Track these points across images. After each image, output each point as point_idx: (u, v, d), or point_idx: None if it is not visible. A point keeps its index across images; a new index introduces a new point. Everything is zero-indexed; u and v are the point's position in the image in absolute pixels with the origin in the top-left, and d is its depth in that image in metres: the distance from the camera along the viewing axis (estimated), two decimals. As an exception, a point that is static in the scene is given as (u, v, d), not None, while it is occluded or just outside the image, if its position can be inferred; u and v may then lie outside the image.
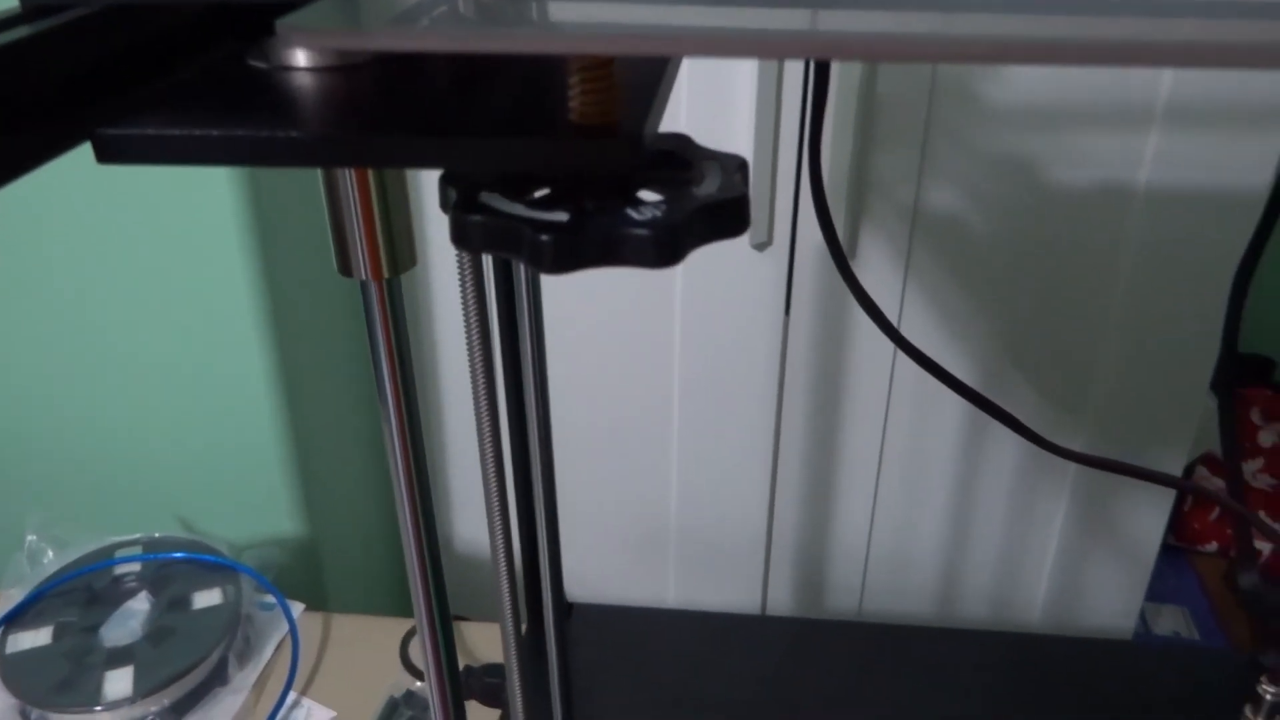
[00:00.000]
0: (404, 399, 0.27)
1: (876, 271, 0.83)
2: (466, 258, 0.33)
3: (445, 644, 0.37)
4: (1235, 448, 0.69)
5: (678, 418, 0.91)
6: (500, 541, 0.35)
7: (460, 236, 0.20)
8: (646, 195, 0.21)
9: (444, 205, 0.22)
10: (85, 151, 0.20)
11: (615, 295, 0.85)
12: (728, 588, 0.99)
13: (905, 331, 0.85)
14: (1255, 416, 1.29)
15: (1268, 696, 0.59)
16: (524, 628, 0.54)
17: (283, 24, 0.15)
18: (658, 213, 0.20)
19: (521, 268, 0.40)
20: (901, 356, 0.87)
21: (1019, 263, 0.81)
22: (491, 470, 0.34)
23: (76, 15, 0.19)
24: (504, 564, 0.35)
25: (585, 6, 0.17)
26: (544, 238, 0.19)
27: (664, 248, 0.19)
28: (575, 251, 0.19)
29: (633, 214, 0.19)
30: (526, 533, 0.60)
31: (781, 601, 1.00)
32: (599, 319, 0.87)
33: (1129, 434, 0.87)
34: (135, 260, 0.71)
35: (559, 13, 0.17)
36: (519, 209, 0.20)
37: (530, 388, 0.42)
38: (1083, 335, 0.84)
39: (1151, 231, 0.78)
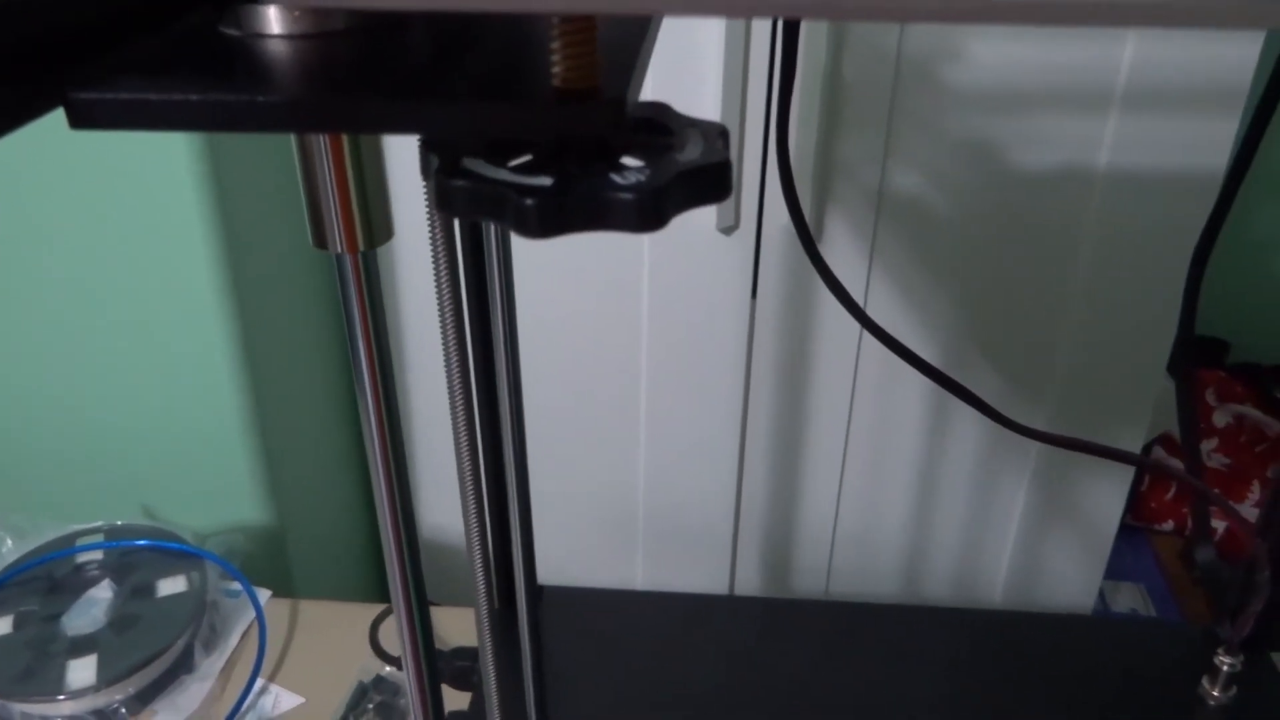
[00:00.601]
0: (380, 375, 0.27)
1: (842, 254, 0.83)
2: (440, 238, 0.32)
3: (422, 627, 0.37)
4: (1194, 428, 0.70)
5: (645, 400, 0.91)
6: (474, 526, 0.35)
7: (443, 201, 0.20)
8: (629, 161, 0.21)
9: (425, 172, 0.21)
10: (36, 129, 0.19)
11: (582, 277, 0.85)
12: (696, 569, 1.00)
13: (871, 313, 0.86)
14: (1210, 397, 1.31)
15: (1224, 668, 0.60)
16: (495, 607, 0.54)
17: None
18: (641, 177, 0.20)
19: (493, 247, 0.40)
20: (867, 339, 0.88)
21: (982, 245, 0.82)
22: (466, 454, 0.34)
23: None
24: (478, 548, 0.35)
25: None
26: (528, 202, 0.19)
27: (647, 211, 0.19)
28: (559, 215, 0.19)
29: (616, 178, 0.20)
30: (498, 517, 0.60)
31: (749, 583, 1.01)
32: (566, 301, 0.87)
33: (1088, 414, 0.89)
34: (93, 242, 0.70)
35: None
36: (502, 174, 0.20)
37: (503, 369, 0.42)
38: (1043, 317, 0.85)
39: (1111, 214, 0.79)
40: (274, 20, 0.22)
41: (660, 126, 0.23)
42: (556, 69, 0.19)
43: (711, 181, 0.20)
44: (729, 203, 0.81)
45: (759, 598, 0.95)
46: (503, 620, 0.64)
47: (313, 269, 0.86)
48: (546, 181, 0.20)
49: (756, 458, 0.94)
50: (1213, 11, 0.15)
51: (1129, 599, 1.14)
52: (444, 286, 0.33)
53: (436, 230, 0.32)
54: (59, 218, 0.69)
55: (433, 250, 0.33)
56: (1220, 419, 1.29)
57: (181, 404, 0.76)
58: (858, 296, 0.85)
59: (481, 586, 0.42)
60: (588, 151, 0.21)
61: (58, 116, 0.19)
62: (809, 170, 0.78)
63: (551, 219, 0.19)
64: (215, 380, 0.75)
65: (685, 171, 0.20)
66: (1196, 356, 1.35)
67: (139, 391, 0.76)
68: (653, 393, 0.90)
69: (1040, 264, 0.82)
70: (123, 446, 0.79)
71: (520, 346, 0.46)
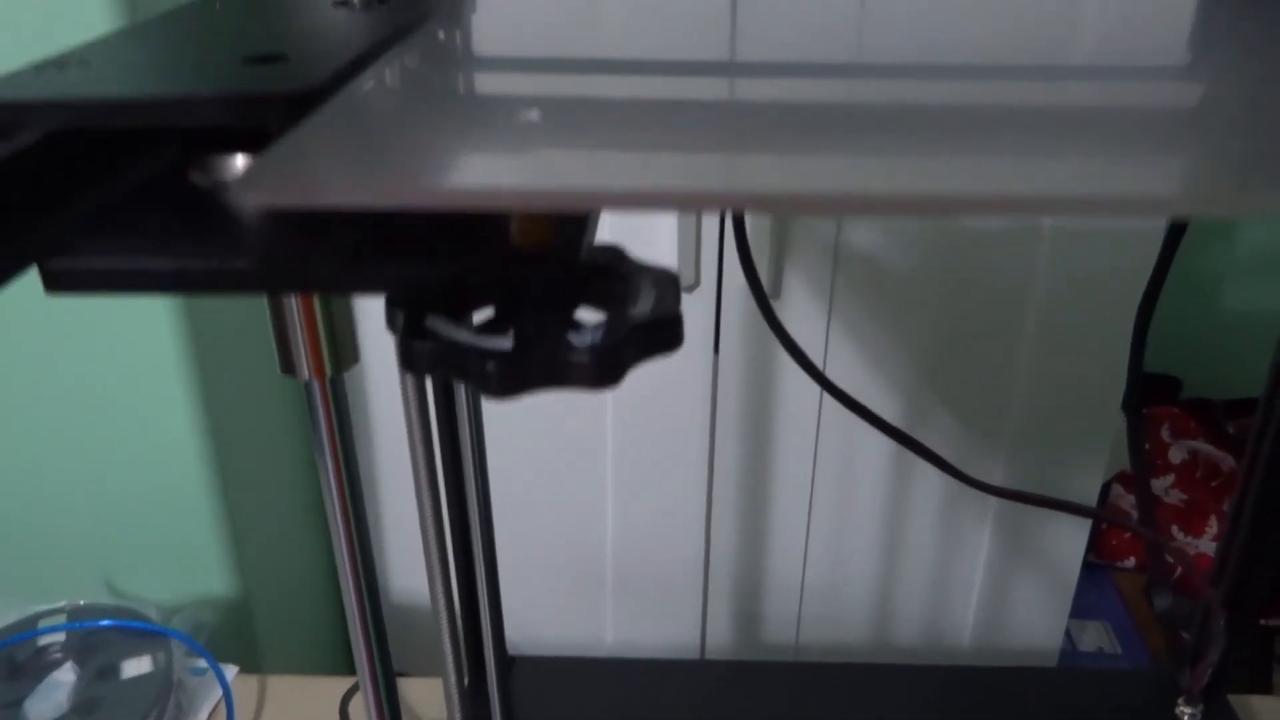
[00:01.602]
0: (349, 497, 0.28)
1: (801, 309, 0.85)
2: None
3: (389, 705, 0.37)
4: (1145, 470, 0.72)
5: (611, 458, 0.91)
6: (441, 598, 0.35)
7: (408, 361, 0.21)
8: (584, 317, 0.22)
9: (390, 325, 0.22)
10: None
11: (546, 341, 0.86)
12: (666, 624, 1.00)
13: (831, 366, 0.87)
14: (1165, 434, 1.34)
15: (1184, 718, 0.61)
16: (465, 683, 0.54)
17: (238, 187, 0.15)
18: (596, 337, 0.20)
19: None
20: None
21: (936, 297, 0.84)
22: (431, 527, 0.35)
23: (21, 144, 0.19)
24: (445, 620, 0.36)
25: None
26: (489, 366, 0.20)
27: (605, 372, 0.20)
28: (519, 379, 0.20)
29: (573, 338, 0.20)
30: (465, 584, 0.60)
31: (720, 635, 1.01)
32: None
33: (1047, 457, 0.91)
34: (51, 311, 0.69)
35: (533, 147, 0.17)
36: (464, 335, 0.21)
37: (466, 440, 0.43)
38: (999, 364, 0.87)
39: (1060, 261, 0.81)
40: (239, 170, 0.23)
41: (612, 272, 0.23)
42: (513, 225, 0.20)
43: (664, 335, 0.21)
44: (689, 259, 0.83)
45: (730, 661, 0.95)
46: (473, 694, 0.64)
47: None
48: (506, 345, 0.20)
49: (724, 511, 0.94)
50: (1133, 203, 0.16)
51: (1095, 637, 1.15)
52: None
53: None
54: (20, 295, 0.69)
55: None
56: (1175, 455, 1.31)
57: (146, 479, 0.76)
58: (818, 351, 0.86)
59: (450, 660, 0.42)
60: (544, 300, 0.22)
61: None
62: (766, 227, 0.80)
63: (511, 382, 0.20)
64: (181, 456, 0.74)
65: (638, 326, 0.21)
66: (1149, 395, 1.38)
67: (103, 467, 0.76)
68: (619, 449, 0.91)
69: (994, 312, 0.84)
70: (86, 523, 0.78)
71: (483, 406, 0.47)
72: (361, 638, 0.31)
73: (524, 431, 0.90)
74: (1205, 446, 1.31)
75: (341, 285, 0.20)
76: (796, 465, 0.92)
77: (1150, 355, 0.74)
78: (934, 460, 0.67)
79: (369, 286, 0.20)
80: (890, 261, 0.83)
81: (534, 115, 0.19)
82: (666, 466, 0.91)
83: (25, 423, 0.74)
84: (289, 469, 0.90)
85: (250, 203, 0.15)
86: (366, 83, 0.21)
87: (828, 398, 0.90)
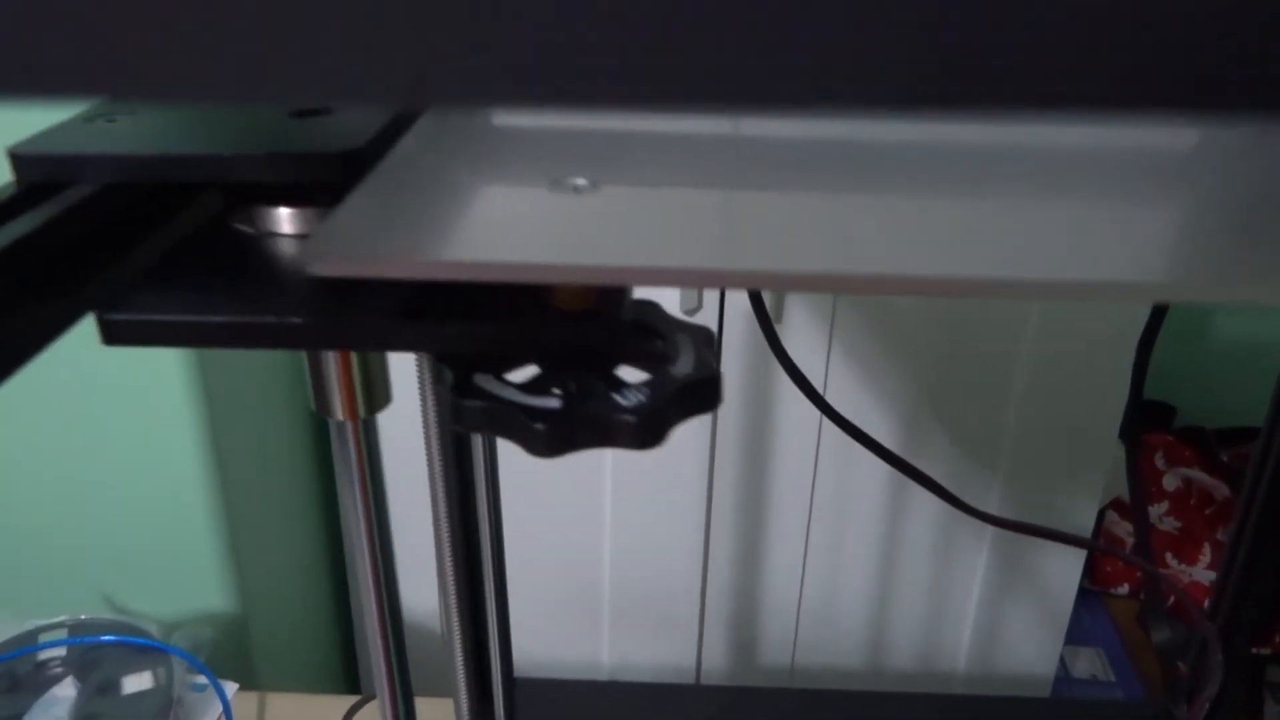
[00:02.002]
0: (377, 536, 0.28)
1: (803, 334, 0.85)
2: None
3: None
4: (1143, 499, 0.73)
5: (610, 482, 0.92)
6: (456, 621, 0.36)
7: (458, 418, 0.22)
8: (627, 377, 0.22)
9: (435, 381, 0.23)
10: None
11: (549, 362, 0.87)
12: (663, 648, 1.00)
13: (831, 391, 0.88)
14: (1159, 461, 1.35)
15: (1180, 748, 0.62)
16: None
17: (306, 253, 0.16)
18: (642, 397, 0.21)
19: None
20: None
21: (936, 323, 0.85)
22: (448, 551, 0.35)
23: (78, 196, 0.20)
24: (459, 643, 0.36)
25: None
26: (538, 426, 0.21)
27: (649, 432, 0.21)
28: (566, 438, 0.21)
29: (619, 399, 0.21)
30: (470, 606, 0.60)
31: (716, 660, 1.01)
32: (533, 385, 0.88)
33: (1042, 483, 0.91)
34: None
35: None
36: (512, 393, 0.21)
37: (480, 465, 0.43)
38: (997, 391, 0.87)
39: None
40: (285, 221, 0.23)
41: (650, 328, 0.24)
42: (557, 294, 0.20)
43: (705, 395, 0.22)
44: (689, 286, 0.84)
45: (726, 686, 0.96)
46: (481, 714, 0.64)
47: (280, 362, 0.86)
48: (554, 404, 0.21)
49: (721, 535, 0.95)
50: (1124, 288, 0.17)
51: (1089, 664, 1.16)
52: (425, 379, 0.34)
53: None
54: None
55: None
56: (1170, 482, 1.32)
57: (147, 495, 0.76)
58: (818, 376, 0.87)
59: (463, 684, 0.43)
60: (586, 357, 0.22)
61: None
62: (769, 257, 0.80)
63: (558, 442, 0.21)
64: (181, 471, 0.75)
65: (681, 388, 0.22)
66: (1144, 422, 1.38)
67: (104, 482, 0.76)
68: (618, 473, 0.91)
69: (991, 340, 0.85)
70: (86, 538, 0.78)
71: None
72: (384, 663, 0.31)
73: (522, 454, 0.91)
74: (1199, 474, 1.32)
75: (392, 343, 0.20)
76: (794, 490, 0.92)
77: (1145, 383, 0.74)
78: (932, 487, 0.68)
79: (418, 345, 0.20)
80: (891, 289, 0.84)
81: (580, 182, 0.19)
82: (665, 490, 0.92)
83: (27, 438, 0.74)
84: (289, 487, 0.90)
85: (316, 271, 0.16)
86: (411, 146, 0.22)
87: (826, 423, 0.90)
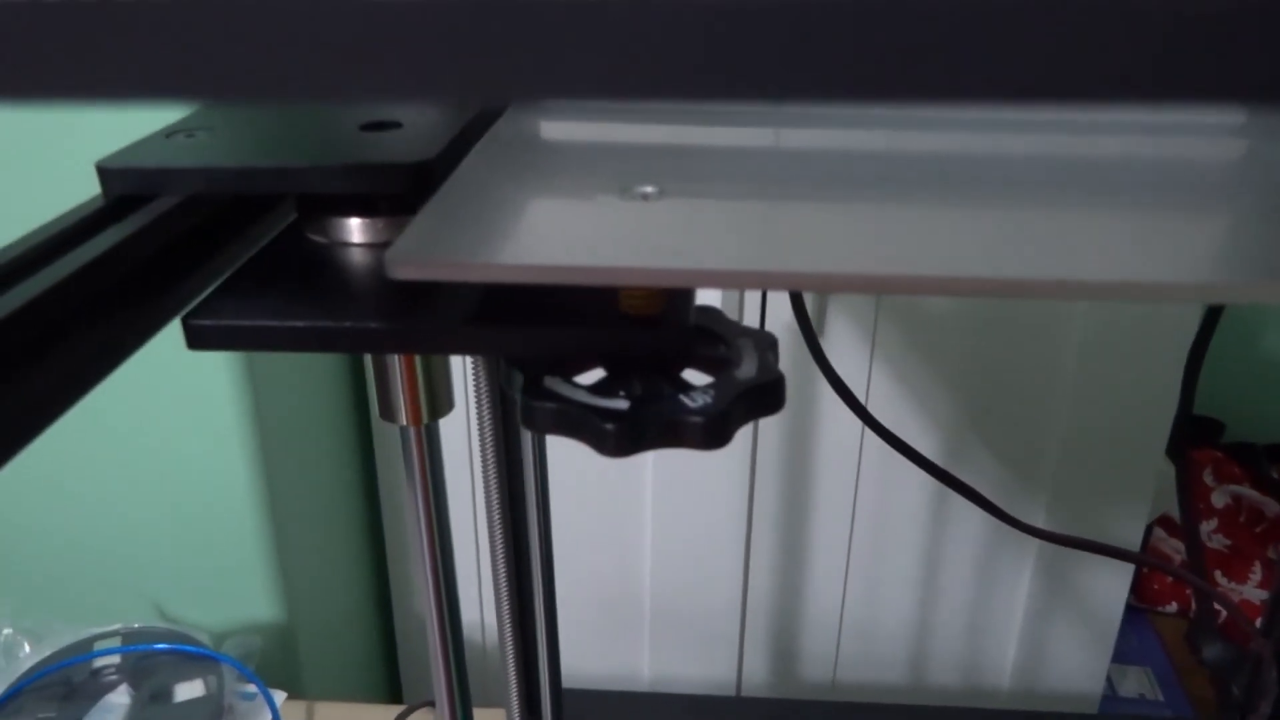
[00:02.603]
0: (438, 541, 0.29)
1: (844, 349, 0.85)
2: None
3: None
4: (1194, 517, 0.72)
5: (651, 494, 0.92)
6: (509, 631, 0.36)
7: (528, 419, 0.22)
8: (693, 379, 0.23)
9: (506, 384, 0.23)
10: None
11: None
12: (703, 661, 1.00)
13: (872, 406, 0.87)
14: (1207, 478, 1.33)
15: (1234, 767, 0.61)
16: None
17: (390, 258, 0.17)
18: (708, 399, 0.22)
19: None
20: (869, 431, 0.89)
21: (980, 336, 0.84)
22: (502, 563, 0.35)
23: (163, 208, 0.21)
24: (513, 654, 0.37)
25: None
26: (608, 426, 0.21)
27: (715, 433, 0.21)
28: (635, 438, 0.21)
29: (686, 401, 0.22)
30: (521, 620, 0.61)
31: (756, 674, 1.01)
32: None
33: (1089, 499, 0.90)
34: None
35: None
36: (581, 395, 0.22)
37: (530, 477, 0.44)
38: (1042, 404, 0.87)
39: (1105, 302, 0.81)
40: (356, 230, 0.24)
41: (713, 333, 0.25)
42: (624, 300, 0.21)
43: (769, 398, 0.22)
44: (733, 297, 0.84)
45: (767, 698, 0.95)
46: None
47: (327, 375, 0.87)
48: (622, 405, 0.22)
49: (762, 549, 0.95)
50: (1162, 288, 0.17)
51: (1136, 683, 1.14)
52: (482, 394, 0.35)
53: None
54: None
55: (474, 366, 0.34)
56: (1219, 499, 1.30)
57: (198, 507, 0.78)
58: (859, 390, 0.87)
59: (515, 694, 0.43)
60: (652, 362, 0.23)
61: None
62: (811, 271, 0.81)
63: (627, 442, 0.21)
64: (231, 484, 0.76)
65: (745, 391, 0.22)
66: (1193, 438, 1.36)
67: (156, 495, 0.77)
68: (659, 486, 0.92)
69: (1037, 351, 0.85)
70: (138, 549, 0.80)
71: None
72: (443, 668, 0.32)
73: (564, 468, 0.91)
74: (1249, 491, 1.30)
75: (467, 347, 0.21)
76: (836, 504, 0.92)
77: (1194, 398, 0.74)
78: (977, 500, 0.67)
79: (493, 349, 0.21)
80: (933, 301, 0.84)
81: (648, 190, 0.20)
82: (705, 503, 0.92)
83: (83, 455, 0.76)
84: (332, 499, 0.92)
85: (399, 276, 0.16)
86: (482, 157, 0.23)
87: (867, 437, 0.90)
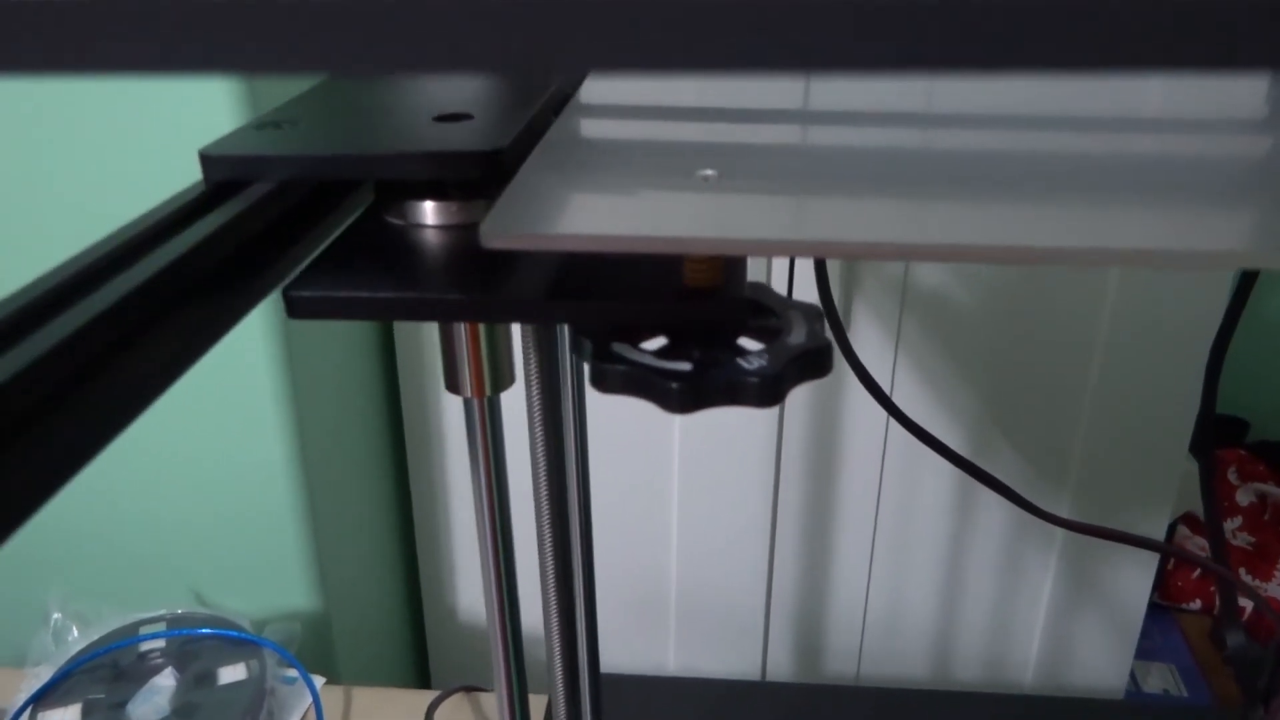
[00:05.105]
0: (497, 505, 0.30)
1: (869, 343, 0.87)
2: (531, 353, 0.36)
3: (520, 710, 0.39)
4: (1217, 512, 0.73)
5: (678, 486, 0.94)
6: (556, 618, 0.38)
7: (599, 380, 0.24)
8: (748, 344, 0.24)
9: (575, 350, 0.25)
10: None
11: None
12: (728, 654, 1.01)
13: (897, 399, 0.89)
14: (1231, 476, 1.33)
15: (1257, 753, 0.62)
16: (546, 700, 0.57)
17: (486, 230, 0.18)
18: (764, 362, 0.23)
19: (566, 350, 0.43)
20: (894, 425, 0.91)
21: (1003, 333, 0.85)
22: (550, 551, 0.37)
23: (261, 192, 0.23)
24: (559, 639, 0.38)
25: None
26: (673, 385, 0.23)
27: (770, 392, 0.23)
28: (698, 397, 0.23)
29: (743, 364, 0.23)
30: (564, 606, 0.63)
31: (781, 667, 1.02)
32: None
33: (1113, 496, 0.91)
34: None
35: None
36: (647, 358, 0.24)
37: (573, 470, 0.46)
38: (1065, 400, 0.88)
39: (1129, 298, 0.83)
40: (430, 213, 0.26)
41: (764, 308, 0.26)
42: (687, 272, 0.22)
43: (818, 362, 0.24)
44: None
45: (794, 684, 0.97)
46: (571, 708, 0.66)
47: (364, 367, 0.89)
48: (686, 367, 0.23)
49: (787, 542, 0.96)
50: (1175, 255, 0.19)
51: (1160, 680, 1.15)
52: (533, 391, 0.36)
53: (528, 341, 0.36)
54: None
55: (524, 359, 0.36)
56: (1243, 498, 1.30)
57: (238, 497, 0.80)
58: (884, 384, 0.88)
59: (561, 680, 0.45)
60: (708, 330, 0.24)
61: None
62: (834, 263, 0.82)
63: (690, 400, 0.23)
64: (270, 475, 0.78)
65: (797, 355, 0.24)
66: (1216, 436, 1.37)
67: (198, 485, 0.80)
68: (685, 477, 0.93)
69: (1060, 349, 0.86)
70: (181, 537, 0.82)
71: (588, 434, 0.49)
72: (502, 654, 0.33)
73: (593, 461, 0.93)
74: (1274, 489, 1.30)
75: (544, 316, 0.23)
76: (860, 497, 0.93)
77: (1217, 397, 0.74)
78: (1001, 490, 0.68)
79: (567, 318, 0.23)
80: (957, 298, 0.85)
81: (709, 173, 0.22)
82: (731, 495, 0.94)
83: (128, 449, 0.78)
84: (367, 489, 0.94)
85: (494, 245, 0.18)
86: (555, 143, 0.24)
87: (892, 431, 0.91)
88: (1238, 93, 0.33)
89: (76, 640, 0.76)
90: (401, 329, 0.90)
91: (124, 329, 0.18)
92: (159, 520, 0.82)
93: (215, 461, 0.79)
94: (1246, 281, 0.68)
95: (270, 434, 0.77)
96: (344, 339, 0.85)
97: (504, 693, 0.36)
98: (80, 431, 0.17)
